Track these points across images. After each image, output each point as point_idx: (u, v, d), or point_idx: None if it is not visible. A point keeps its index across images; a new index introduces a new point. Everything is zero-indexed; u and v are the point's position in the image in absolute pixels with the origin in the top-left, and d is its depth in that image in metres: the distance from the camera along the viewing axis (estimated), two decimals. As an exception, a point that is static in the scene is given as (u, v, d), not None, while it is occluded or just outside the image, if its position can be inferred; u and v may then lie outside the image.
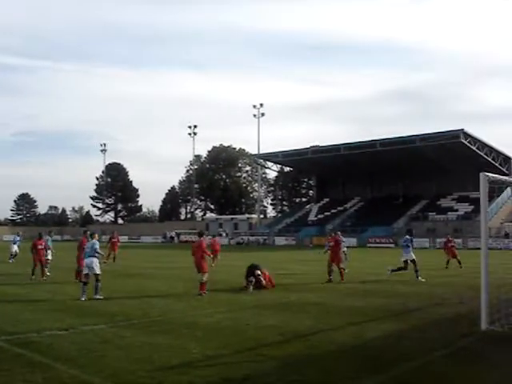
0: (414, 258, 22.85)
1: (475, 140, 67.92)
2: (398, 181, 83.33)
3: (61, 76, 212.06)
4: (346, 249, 37.61)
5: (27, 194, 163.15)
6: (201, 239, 18.43)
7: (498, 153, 72.64)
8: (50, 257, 24.69)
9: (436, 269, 28.61)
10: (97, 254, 17.06)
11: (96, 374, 7.76)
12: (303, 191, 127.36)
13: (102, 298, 16.43)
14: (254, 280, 18.61)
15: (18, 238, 36.38)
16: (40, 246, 22.87)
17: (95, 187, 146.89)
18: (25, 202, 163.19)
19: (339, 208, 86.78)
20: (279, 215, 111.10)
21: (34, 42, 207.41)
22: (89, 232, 19.40)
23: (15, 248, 35.33)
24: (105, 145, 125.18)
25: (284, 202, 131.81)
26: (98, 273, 16.85)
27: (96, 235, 17.98)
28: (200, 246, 17.95)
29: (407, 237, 23.64)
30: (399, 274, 24.88)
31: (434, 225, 69.56)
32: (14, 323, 12.04)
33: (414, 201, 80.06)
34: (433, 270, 28.29)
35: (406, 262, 23.12)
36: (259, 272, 18.93)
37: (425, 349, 9.40)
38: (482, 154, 68.67)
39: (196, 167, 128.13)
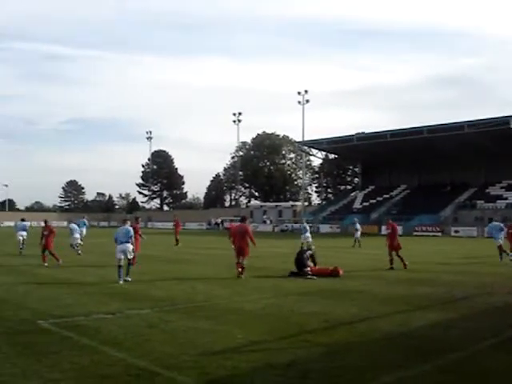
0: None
1: (526, 126, 66.14)
2: (445, 168, 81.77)
3: (106, 64, 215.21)
4: (359, 235, 38.20)
5: (75, 181, 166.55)
6: (244, 224, 18.93)
7: (551, 139, 70.58)
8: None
9: (485, 257, 28.07)
10: (130, 240, 17.53)
11: (142, 357, 7.84)
12: (348, 179, 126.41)
13: (130, 279, 17.08)
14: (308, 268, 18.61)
15: (85, 223, 39.10)
16: (45, 232, 22.96)
17: (141, 174, 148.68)
18: (73, 188, 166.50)
19: (385, 196, 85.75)
20: (324, 203, 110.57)
21: (78, 32, 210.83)
22: (123, 218, 20.47)
23: (83, 231, 36.69)
24: (150, 132, 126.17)
25: (329, 190, 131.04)
26: (130, 257, 17.56)
27: (129, 222, 18.64)
28: (245, 231, 18.46)
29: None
30: (446, 264, 24.56)
31: (482, 213, 68.05)
32: (61, 306, 12.28)
33: (462, 188, 78.50)
34: (482, 258, 27.81)
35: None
36: (309, 263, 18.91)
37: (473, 338, 9.23)
38: (532, 141, 66.85)
39: (242, 154, 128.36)
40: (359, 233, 38.90)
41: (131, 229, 18.04)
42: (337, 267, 19.02)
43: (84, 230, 37.14)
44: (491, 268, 22.57)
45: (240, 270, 18.24)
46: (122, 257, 17.27)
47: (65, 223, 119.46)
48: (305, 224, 33.38)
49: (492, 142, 69.99)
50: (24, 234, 29.68)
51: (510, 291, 15.02)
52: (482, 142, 70.12)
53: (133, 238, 17.86)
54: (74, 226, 29.79)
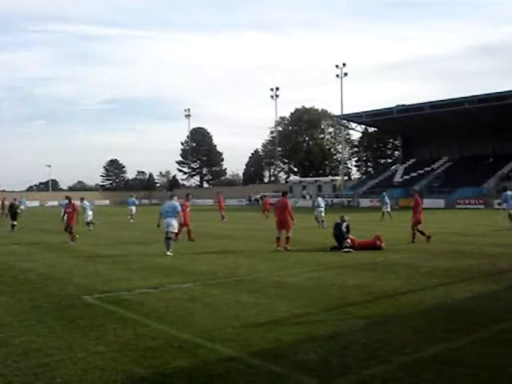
0: None
1: None
2: (487, 140, 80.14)
3: (143, 44, 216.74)
4: (389, 209, 38.12)
5: (116, 159, 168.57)
6: (284, 198, 19.82)
7: None
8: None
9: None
10: (177, 215, 18.32)
11: (185, 330, 7.94)
12: (388, 152, 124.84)
13: (171, 254, 17.72)
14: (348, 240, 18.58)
15: (135, 201, 42.39)
16: (69, 210, 23.27)
17: (180, 152, 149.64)
18: (114, 167, 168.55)
19: (426, 169, 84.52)
20: (363, 177, 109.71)
21: (114, 11, 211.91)
22: (170, 193, 22.15)
23: (133, 209, 40.46)
24: (189, 110, 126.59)
25: (368, 164, 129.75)
26: (175, 231, 18.38)
27: (175, 197, 19.44)
28: (285, 205, 19.35)
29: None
30: (489, 235, 24.17)
31: (526, 185, 66.68)
32: (105, 282, 12.50)
33: (505, 160, 76.91)
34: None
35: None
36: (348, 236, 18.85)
37: (518, 310, 9.07)
38: None
39: (280, 129, 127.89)
40: (389, 206, 39.36)
41: (178, 204, 18.80)
42: (379, 238, 18.88)
43: (134, 209, 40.51)
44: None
45: (285, 242, 19.02)
46: (170, 229, 17.96)
47: (107, 202, 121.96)
48: (319, 199, 33.50)
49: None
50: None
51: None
52: (526, 112, 68.38)
53: (180, 214, 18.61)
54: (86, 203, 30.87)
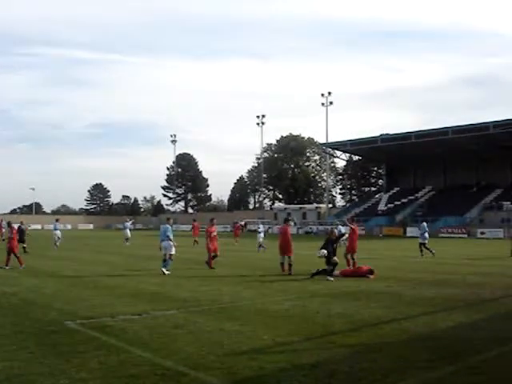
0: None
1: (553, 127, 65.23)
2: (471, 169, 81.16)
3: (130, 69, 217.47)
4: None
5: (100, 184, 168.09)
6: (286, 225, 20.76)
7: None
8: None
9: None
10: (168, 239, 19.93)
11: (168, 357, 7.90)
12: (372, 180, 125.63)
13: (168, 273, 19.22)
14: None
15: (129, 225, 44.82)
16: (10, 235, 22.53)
17: (166, 177, 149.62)
18: (98, 191, 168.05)
19: (410, 197, 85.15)
20: (348, 205, 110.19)
21: (101, 36, 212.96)
22: (167, 216, 23.45)
23: (128, 233, 43.10)
24: (175, 136, 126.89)
25: (353, 192, 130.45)
26: (171, 253, 19.95)
27: (170, 220, 21.49)
28: (286, 232, 20.26)
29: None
30: (472, 265, 24.38)
31: (508, 214, 67.23)
32: (88, 308, 12.41)
33: (488, 190, 77.71)
34: (509, 259, 27.51)
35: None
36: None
37: (499, 340, 9.14)
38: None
39: (267, 155, 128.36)
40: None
41: (170, 227, 20.52)
42: (371, 269, 18.90)
43: (128, 232, 43.12)
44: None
45: (289, 267, 19.81)
46: (164, 252, 19.88)
47: (91, 226, 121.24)
48: (260, 225, 37.17)
49: (519, 143, 69.20)
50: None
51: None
52: (509, 143, 69.35)
53: (171, 236, 20.10)
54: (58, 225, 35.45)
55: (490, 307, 12.86)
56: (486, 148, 72.77)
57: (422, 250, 29.72)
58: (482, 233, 63.43)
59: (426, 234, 30.80)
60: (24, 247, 31.02)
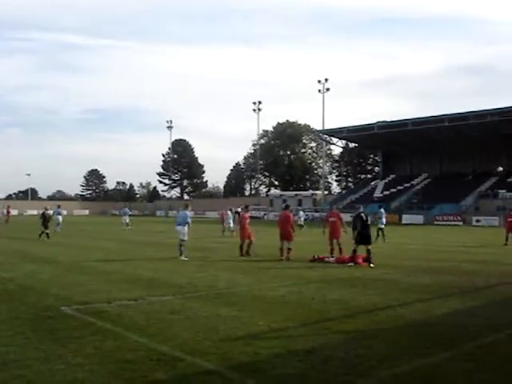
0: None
1: (551, 115, 65.20)
2: (467, 157, 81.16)
3: (127, 54, 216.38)
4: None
5: (96, 170, 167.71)
6: (287, 212, 21.06)
7: None
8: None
9: (507, 248, 27.89)
10: (187, 224, 20.46)
11: (164, 342, 7.92)
12: (369, 167, 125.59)
13: (186, 259, 19.63)
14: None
15: (128, 211, 48.33)
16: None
17: (162, 163, 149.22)
18: (94, 177, 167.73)
19: (405, 185, 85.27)
20: (344, 192, 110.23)
21: (98, 21, 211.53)
22: (184, 203, 23.67)
23: (127, 219, 46.51)
24: (171, 121, 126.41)
25: (349, 179, 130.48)
26: (183, 239, 20.29)
27: (189, 207, 22.05)
28: (288, 218, 20.62)
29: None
30: (467, 253, 24.45)
31: (503, 202, 67.35)
32: (85, 293, 12.42)
33: (484, 178, 77.81)
34: (503, 247, 27.61)
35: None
36: None
37: (494, 327, 9.19)
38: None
39: (263, 142, 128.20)
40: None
41: (188, 213, 20.97)
42: (367, 257, 18.84)
43: (127, 218, 46.38)
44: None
45: (286, 253, 20.09)
46: (180, 237, 20.27)
47: (87, 212, 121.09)
48: (229, 213, 37.55)
49: (514, 131, 69.19)
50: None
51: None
52: (505, 130, 69.33)
53: (189, 223, 20.62)
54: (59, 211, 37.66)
55: (484, 294, 12.92)
56: (482, 136, 72.75)
57: (379, 235, 30.15)
58: (478, 220, 63.57)
59: (384, 220, 31.67)
60: (47, 233, 31.80)
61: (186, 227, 20.44)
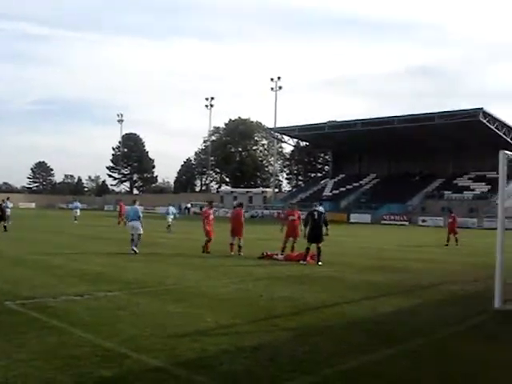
0: None
1: (494, 119, 66.94)
2: (414, 158, 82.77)
3: (79, 45, 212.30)
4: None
5: (44, 162, 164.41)
6: (239, 209, 21.77)
7: (518, 133, 71.68)
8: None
9: (451, 246, 28.60)
10: (139, 218, 20.82)
11: (110, 338, 7.83)
12: (319, 166, 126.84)
13: (137, 252, 20.01)
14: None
15: (78, 205, 47.87)
16: None
17: (111, 157, 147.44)
18: (41, 170, 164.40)
19: (354, 184, 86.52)
20: (294, 189, 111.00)
21: (52, 12, 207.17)
22: (133, 199, 24.04)
23: (78, 212, 46.42)
24: (122, 115, 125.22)
25: (299, 177, 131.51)
26: (140, 233, 20.68)
27: (137, 201, 22.17)
28: (239, 215, 21.26)
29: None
30: (413, 252, 24.97)
31: (449, 203, 68.96)
32: (29, 288, 12.16)
33: (430, 179, 79.58)
34: (448, 247, 28.29)
35: None
36: None
37: (437, 325, 9.40)
38: (500, 133, 67.73)
39: (214, 139, 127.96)
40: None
41: (139, 208, 21.40)
42: (312, 257, 19.09)
43: (78, 211, 46.26)
44: (458, 257, 22.98)
45: (238, 249, 20.66)
46: (133, 232, 20.52)
47: (33, 205, 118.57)
48: (170, 207, 38.66)
49: (461, 134, 70.96)
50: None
51: (475, 280, 15.29)
52: (451, 134, 71.03)
53: (141, 217, 20.99)
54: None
55: (428, 293, 13.20)
56: (430, 138, 74.28)
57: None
58: (424, 220, 65.01)
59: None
60: (4, 226, 31.15)
61: (139, 222, 20.83)
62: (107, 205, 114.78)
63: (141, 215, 21.07)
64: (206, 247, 21.23)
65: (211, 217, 22.02)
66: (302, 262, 18.44)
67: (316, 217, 18.85)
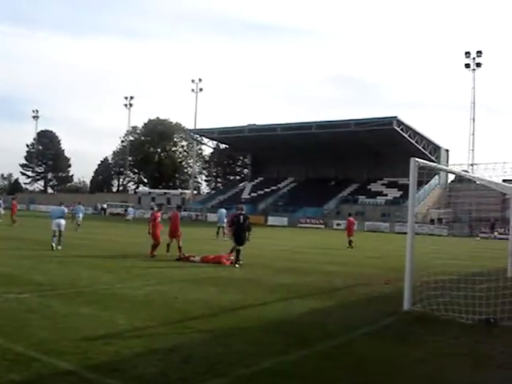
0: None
1: (407, 128, 69.31)
2: (331, 163, 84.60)
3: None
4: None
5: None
6: (177, 211, 22.06)
7: (429, 141, 74.34)
8: None
9: (365, 249, 29.36)
10: (64, 216, 22.30)
11: (20, 342, 7.60)
12: (238, 169, 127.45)
13: (60, 248, 21.30)
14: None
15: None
16: None
17: (25, 154, 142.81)
18: None
19: (272, 187, 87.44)
20: (213, 192, 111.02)
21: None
22: (60, 202, 24.90)
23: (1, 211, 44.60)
24: (37, 111, 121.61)
25: (218, 179, 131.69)
26: (62, 230, 21.95)
27: (63, 204, 23.62)
28: (177, 218, 21.49)
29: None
30: (328, 255, 25.50)
31: (363, 208, 71.07)
32: None
33: (346, 184, 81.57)
34: (362, 250, 29.02)
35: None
36: None
37: (349, 326, 9.65)
38: (413, 141, 70.14)
39: (132, 139, 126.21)
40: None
41: (65, 209, 23.01)
42: (228, 259, 19.31)
43: (1, 210, 44.50)
44: (370, 260, 23.67)
45: (179, 249, 20.42)
46: (57, 229, 21.63)
47: None
48: (80, 206, 39.95)
49: (375, 141, 73.12)
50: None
51: (386, 282, 15.78)
52: (367, 141, 73.09)
53: (65, 215, 22.57)
54: None
55: (341, 295, 13.53)
56: (345, 144, 76.05)
57: (218, 234, 34.63)
58: (338, 224, 66.31)
59: (224, 219, 34.43)
60: None
61: (63, 220, 22.08)
62: (20, 204, 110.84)
63: (66, 213, 22.75)
64: (152, 251, 20.63)
65: (158, 219, 21.52)
66: (236, 265, 18.53)
67: (242, 221, 19.12)
